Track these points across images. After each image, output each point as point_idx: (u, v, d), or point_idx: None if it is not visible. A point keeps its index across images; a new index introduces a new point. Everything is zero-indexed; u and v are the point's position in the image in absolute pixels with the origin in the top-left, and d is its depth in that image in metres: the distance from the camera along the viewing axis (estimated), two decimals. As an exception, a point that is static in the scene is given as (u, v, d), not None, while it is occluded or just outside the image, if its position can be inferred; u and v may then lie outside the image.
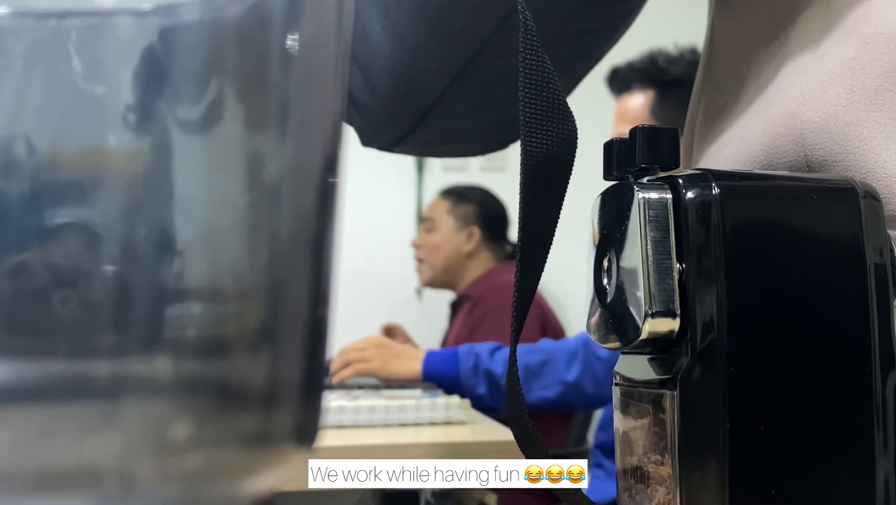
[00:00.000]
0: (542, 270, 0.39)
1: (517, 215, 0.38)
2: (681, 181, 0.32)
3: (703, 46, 0.52)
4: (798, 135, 0.40)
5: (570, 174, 0.38)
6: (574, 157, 0.38)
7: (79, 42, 0.20)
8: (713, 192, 0.32)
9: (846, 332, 0.32)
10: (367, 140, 0.59)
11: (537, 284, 0.39)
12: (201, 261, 0.21)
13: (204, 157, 0.22)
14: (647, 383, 0.33)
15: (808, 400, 0.31)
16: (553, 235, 0.39)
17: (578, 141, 0.38)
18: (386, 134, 0.58)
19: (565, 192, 0.39)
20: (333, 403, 1.07)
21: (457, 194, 2.49)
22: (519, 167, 0.37)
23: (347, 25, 0.24)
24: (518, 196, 0.38)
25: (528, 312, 0.38)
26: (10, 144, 0.20)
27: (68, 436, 0.19)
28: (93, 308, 0.20)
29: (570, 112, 0.38)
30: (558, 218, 0.39)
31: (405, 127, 0.57)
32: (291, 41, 0.22)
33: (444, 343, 2.36)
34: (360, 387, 1.39)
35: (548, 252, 0.39)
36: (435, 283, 2.50)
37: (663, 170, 0.34)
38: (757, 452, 0.31)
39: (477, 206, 2.45)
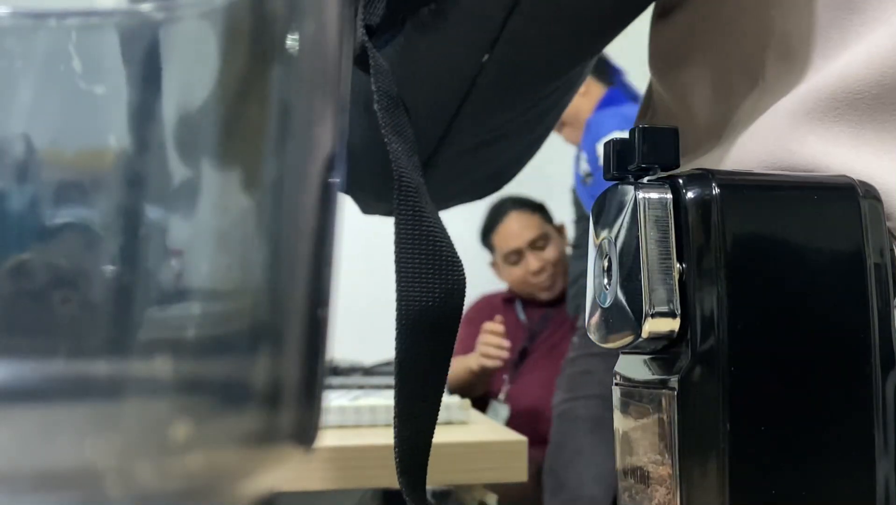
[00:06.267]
0: (431, 431, 0.36)
1: (394, 370, 0.36)
2: (681, 181, 0.32)
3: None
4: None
5: (457, 328, 0.36)
6: (461, 309, 0.36)
7: (79, 42, 0.20)
8: (713, 192, 0.32)
9: (846, 332, 0.32)
10: (366, 211, 0.61)
11: (428, 440, 0.36)
12: (201, 261, 0.21)
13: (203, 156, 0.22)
14: (647, 383, 0.33)
15: (808, 400, 0.31)
16: (441, 394, 0.36)
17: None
18: (380, 209, 0.60)
19: (452, 347, 0.36)
20: (333, 403, 1.07)
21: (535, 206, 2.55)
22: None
23: (349, 25, 0.24)
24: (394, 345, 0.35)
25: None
26: (10, 144, 0.20)
27: (68, 436, 0.19)
28: (93, 308, 0.20)
29: (458, 261, 0.36)
30: (446, 376, 0.36)
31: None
32: (292, 41, 0.22)
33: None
34: (361, 387, 1.39)
35: (436, 414, 0.36)
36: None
37: (663, 170, 0.34)
38: (757, 452, 0.31)
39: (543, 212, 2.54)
